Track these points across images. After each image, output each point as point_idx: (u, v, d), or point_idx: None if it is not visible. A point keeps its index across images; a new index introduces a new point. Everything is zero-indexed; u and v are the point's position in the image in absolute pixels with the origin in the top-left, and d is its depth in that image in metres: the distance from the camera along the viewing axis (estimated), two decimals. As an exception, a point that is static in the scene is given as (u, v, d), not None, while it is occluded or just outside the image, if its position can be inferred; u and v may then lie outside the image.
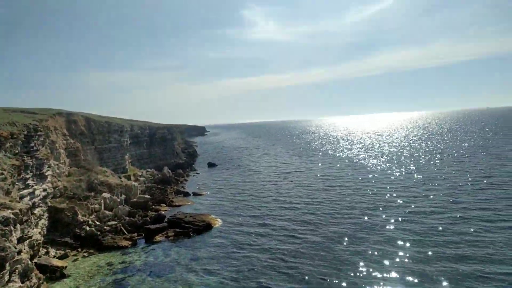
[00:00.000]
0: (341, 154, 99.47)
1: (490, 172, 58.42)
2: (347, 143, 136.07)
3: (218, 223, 42.17)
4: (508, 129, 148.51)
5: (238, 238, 35.80)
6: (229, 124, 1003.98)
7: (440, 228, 34.04)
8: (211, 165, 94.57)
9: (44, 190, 37.55)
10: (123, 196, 51.24)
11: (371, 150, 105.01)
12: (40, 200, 36.27)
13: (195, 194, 59.75)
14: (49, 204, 38.87)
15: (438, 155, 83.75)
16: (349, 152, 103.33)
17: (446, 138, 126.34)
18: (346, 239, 33.06)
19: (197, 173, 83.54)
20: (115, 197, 49.26)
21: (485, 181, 51.63)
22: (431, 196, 45.64)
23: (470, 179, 54.14)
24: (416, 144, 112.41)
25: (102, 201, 47.00)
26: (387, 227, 35.52)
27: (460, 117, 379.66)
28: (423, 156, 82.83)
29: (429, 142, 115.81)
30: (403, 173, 63.56)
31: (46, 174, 38.28)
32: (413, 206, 41.68)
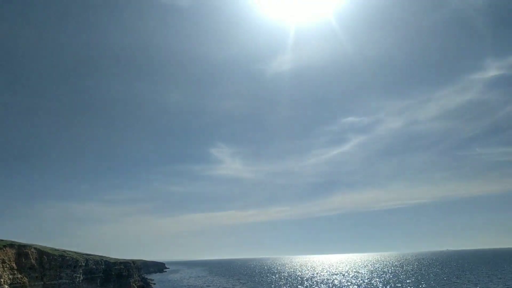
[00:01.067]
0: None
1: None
2: (310, 283, 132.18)
3: None
4: (470, 273, 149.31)
5: None
6: (191, 261, 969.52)
7: None
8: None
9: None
10: None
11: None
12: None
13: (148, 338, 54.87)
14: None
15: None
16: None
17: (410, 281, 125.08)
18: None
19: (152, 315, 77.82)
20: None
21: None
22: None
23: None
24: (380, 286, 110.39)
25: None
26: None
27: (421, 259, 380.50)
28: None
29: (395, 284, 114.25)
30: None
31: (-16, 313, 34.80)
32: None
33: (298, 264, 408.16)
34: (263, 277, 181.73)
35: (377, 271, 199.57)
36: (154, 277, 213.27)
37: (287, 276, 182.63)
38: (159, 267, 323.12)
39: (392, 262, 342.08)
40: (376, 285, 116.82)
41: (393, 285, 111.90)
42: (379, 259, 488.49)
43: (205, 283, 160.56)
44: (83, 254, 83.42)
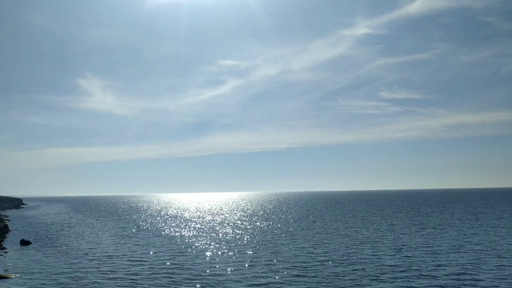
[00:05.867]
0: (173, 233, 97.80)
1: (316, 245, 63.59)
2: (178, 221, 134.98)
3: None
4: (325, 210, 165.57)
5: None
6: (52, 197, 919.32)
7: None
8: (24, 242, 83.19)
9: None
10: None
11: (203, 229, 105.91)
12: None
13: (0, 277, 51.22)
14: None
15: (269, 232, 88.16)
16: (182, 230, 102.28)
17: (275, 217, 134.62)
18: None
19: (5, 252, 72.46)
20: None
21: (316, 251, 55.70)
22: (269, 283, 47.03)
23: (302, 253, 57.78)
24: (245, 223, 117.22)
25: None
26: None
27: (284, 198, 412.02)
28: (250, 235, 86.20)
29: (261, 223, 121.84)
30: (235, 253, 64.90)
31: None
32: None
33: (168, 201, 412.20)
34: (131, 214, 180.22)
35: (246, 208, 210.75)
36: (9, 213, 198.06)
37: (155, 214, 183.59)
38: (15, 203, 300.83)
39: (262, 200, 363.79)
40: (244, 222, 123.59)
41: (263, 222, 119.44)
42: (250, 197, 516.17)
43: (64, 219, 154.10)
44: None
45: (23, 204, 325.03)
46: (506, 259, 52.72)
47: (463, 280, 42.30)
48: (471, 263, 50.50)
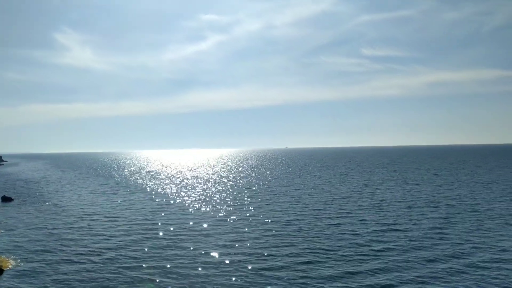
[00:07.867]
0: (153, 190, 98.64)
1: (302, 198, 65.21)
2: (158, 178, 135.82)
3: (11, 265, 36.97)
4: (305, 167, 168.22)
5: (36, 282, 31.92)
6: (32, 154, 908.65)
7: None
8: (5, 199, 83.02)
9: None
10: None
11: (183, 186, 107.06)
12: None
13: (-18, 233, 51.40)
14: None
15: (250, 188, 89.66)
16: (161, 187, 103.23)
17: (255, 174, 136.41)
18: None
19: (-14, 209, 72.46)
20: None
21: (300, 203, 57.26)
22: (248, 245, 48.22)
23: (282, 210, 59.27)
24: (226, 181, 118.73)
25: None
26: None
27: (264, 154, 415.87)
28: (230, 192, 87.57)
29: (242, 180, 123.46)
30: (213, 210, 66.02)
31: None
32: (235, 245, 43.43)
33: (150, 158, 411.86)
34: (112, 171, 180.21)
35: (230, 165, 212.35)
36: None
37: (136, 170, 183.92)
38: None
39: (244, 157, 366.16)
40: (228, 180, 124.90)
41: (247, 179, 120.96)
42: (233, 153, 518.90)
43: (44, 176, 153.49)
44: None
45: (3, 161, 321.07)
46: (477, 214, 55.13)
47: (434, 234, 44.26)
48: (443, 218, 52.70)
